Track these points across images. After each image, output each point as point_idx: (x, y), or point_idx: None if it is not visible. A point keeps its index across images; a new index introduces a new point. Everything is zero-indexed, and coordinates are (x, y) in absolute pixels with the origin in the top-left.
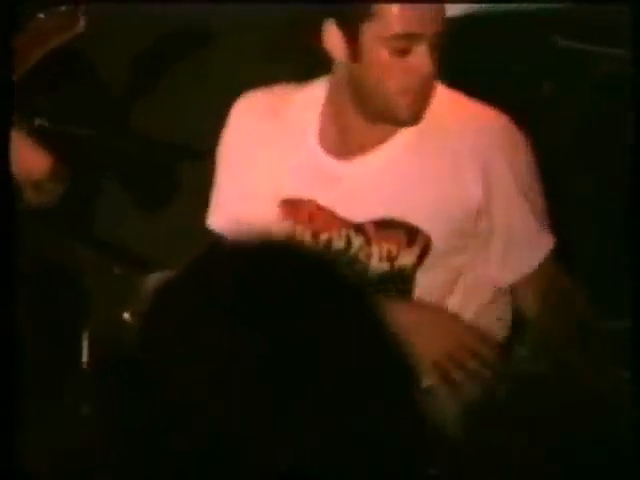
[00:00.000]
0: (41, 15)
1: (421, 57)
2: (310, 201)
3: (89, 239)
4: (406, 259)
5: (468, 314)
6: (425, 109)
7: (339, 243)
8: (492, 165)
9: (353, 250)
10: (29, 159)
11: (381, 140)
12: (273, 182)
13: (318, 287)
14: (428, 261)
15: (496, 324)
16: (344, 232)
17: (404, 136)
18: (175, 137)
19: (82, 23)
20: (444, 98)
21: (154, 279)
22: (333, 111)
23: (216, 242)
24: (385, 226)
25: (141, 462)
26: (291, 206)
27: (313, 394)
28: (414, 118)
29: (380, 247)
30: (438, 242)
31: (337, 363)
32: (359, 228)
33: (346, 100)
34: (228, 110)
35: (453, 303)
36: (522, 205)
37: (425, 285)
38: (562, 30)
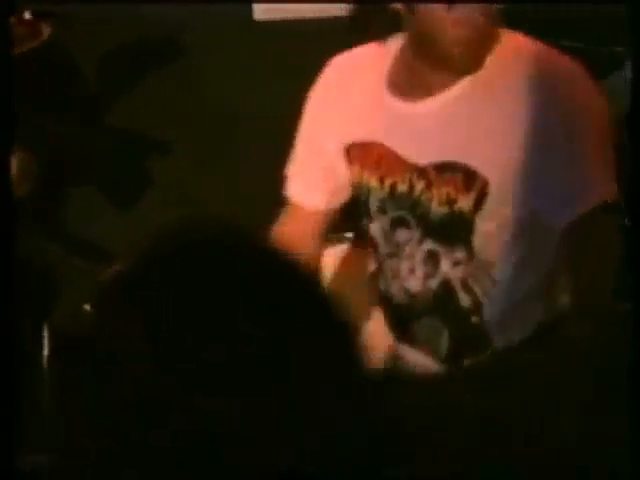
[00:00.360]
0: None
1: (468, 8)
2: (377, 144)
3: (57, 234)
4: (464, 203)
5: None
6: (484, 57)
7: (402, 187)
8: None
9: (415, 194)
10: None
11: (446, 84)
12: (342, 128)
13: (261, 276)
14: (487, 207)
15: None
16: (407, 176)
17: (469, 81)
18: (146, 131)
19: (47, 32)
20: (511, 44)
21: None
22: (402, 59)
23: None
24: (445, 169)
25: (104, 457)
26: (359, 150)
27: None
28: (470, 67)
29: (439, 190)
30: (496, 188)
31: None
32: (421, 171)
33: (413, 49)
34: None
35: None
36: (586, 154)
37: (484, 233)
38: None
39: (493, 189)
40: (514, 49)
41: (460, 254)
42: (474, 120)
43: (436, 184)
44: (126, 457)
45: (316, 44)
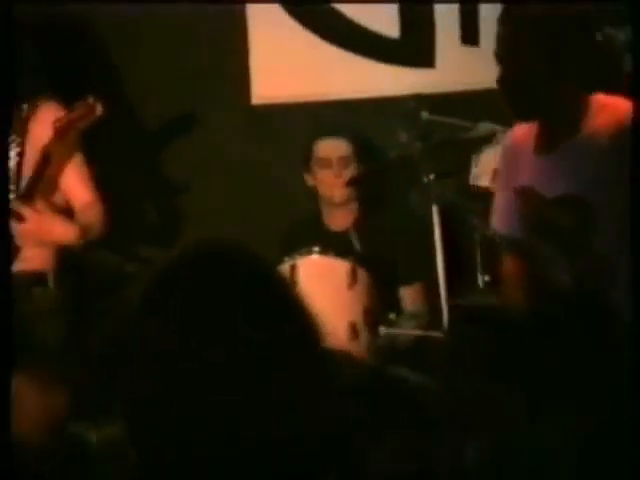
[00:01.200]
0: (65, 111)
1: None
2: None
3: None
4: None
5: None
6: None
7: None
8: None
9: None
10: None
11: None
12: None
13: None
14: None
15: None
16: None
17: (571, 143)
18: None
19: (100, 108)
20: (596, 106)
21: None
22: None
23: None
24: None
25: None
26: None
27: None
28: (570, 133)
29: None
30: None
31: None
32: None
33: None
34: None
35: None
36: None
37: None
38: None
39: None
40: (600, 111)
41: None
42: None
43: None
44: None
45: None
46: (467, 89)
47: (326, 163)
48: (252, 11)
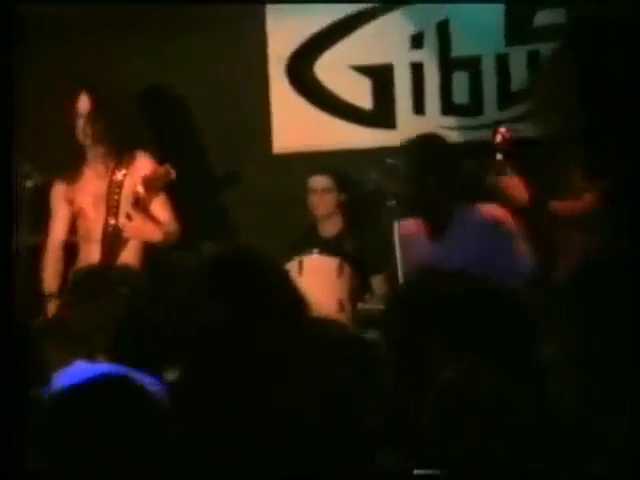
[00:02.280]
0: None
1: None
2: None
3: None
4: None
5: None
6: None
7: None
8: None
9: None
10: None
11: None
12: None
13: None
14: None
15: None
16: None
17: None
18: None
19: (173, 173)
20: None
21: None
22: None
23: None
24: None
25: None
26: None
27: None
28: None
29: None
30: None
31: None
32: None
33: None
34: None
35: None
36: None
37: None
38: None
39: None
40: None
41: None
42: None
43: None
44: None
45: None
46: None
47: (314, 191)
48: (273, 95)
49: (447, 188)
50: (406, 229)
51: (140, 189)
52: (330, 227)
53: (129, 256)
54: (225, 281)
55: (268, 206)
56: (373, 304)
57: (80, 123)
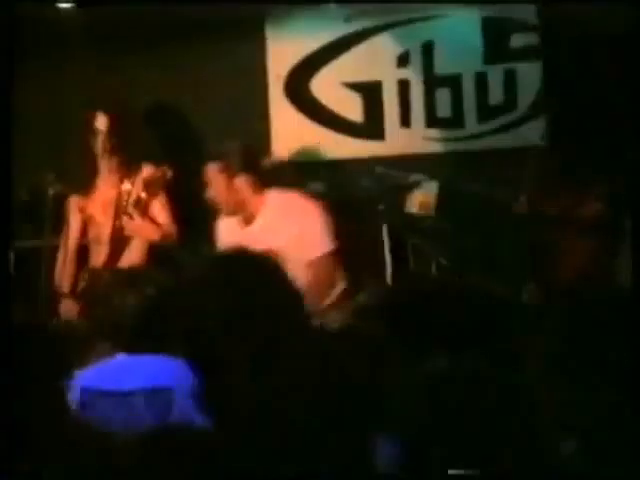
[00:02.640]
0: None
1: None
2: None
3: None
4: None
5: None
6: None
7: None
8: None
9: None
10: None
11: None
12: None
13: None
14: None
15: None
16: None
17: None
18: None
19: (169, 173)
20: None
21: None
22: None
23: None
24: None
25: None
26: None
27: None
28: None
29: None
30: None
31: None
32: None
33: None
34: None
35: None
36: None
37: None
38: None
39: None
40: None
41: None
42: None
43: None
44: None
45: None
46: (404, 153)
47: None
48: (273, 109)
49: None
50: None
51: (141, 192)
52: None
53: (134, 256)
54: (226, 279)
55: None
56: (365, 300)
57: (97, 140)
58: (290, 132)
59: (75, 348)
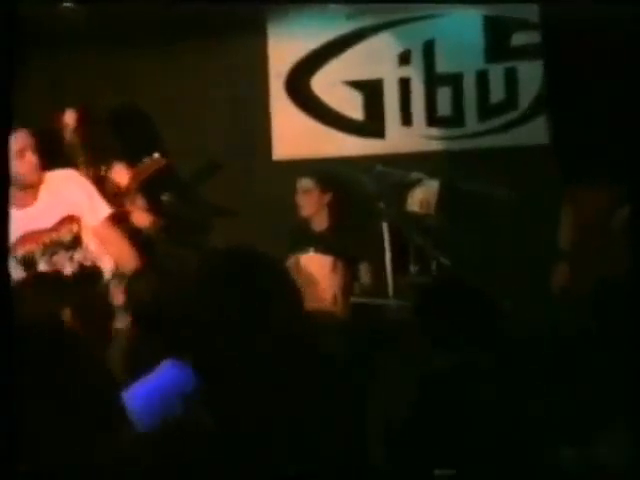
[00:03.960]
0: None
1: None
2: None
3: None
4: None
5: None
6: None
7: None
8: None
9: None
10: (121, 254)
11: None
12: None
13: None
14: None
15: None
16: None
17: None
18: None
19: (163, 161)
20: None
21: None
22: None
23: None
24: None
25: None
26: None
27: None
28: None
29: None
30: None
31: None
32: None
33: None
34: None
35: None
36: None
37: None
38: None
39: None
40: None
41: None
42: None
43: None
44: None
45: None
46: (404, 152)
47: (299, 192)
48: (273, 107)
49: None
50: None
51: (126, 182)
52: (318, 222)
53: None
54: (226, 278)
55: (268, 207)
56: (364, 298)
57: (66, 134)
58: (291, 130)
59: (76, 347)
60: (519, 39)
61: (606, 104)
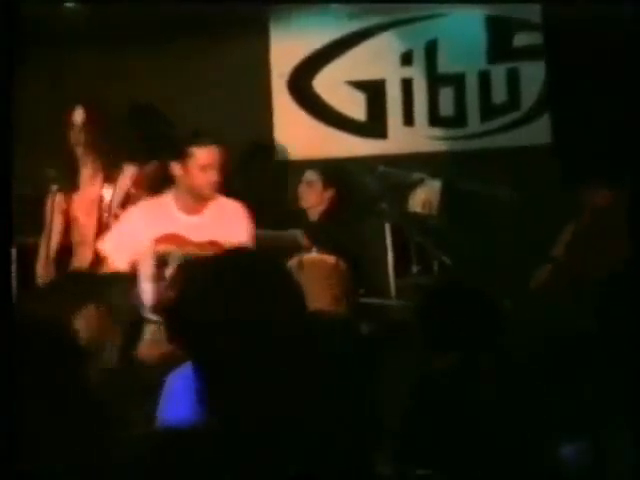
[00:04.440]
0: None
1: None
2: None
3: None
4: None
5: None
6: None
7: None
8: None
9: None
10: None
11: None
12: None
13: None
14: None
15: None
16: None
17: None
18: None
19: (161, 171)
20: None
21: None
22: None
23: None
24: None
25: None
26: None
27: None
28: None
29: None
30: None
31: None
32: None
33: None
34: None
35: None
36: None
37: None
38: None
39: None
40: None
41: None
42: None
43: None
44: None
45: None
46: (407, 152)
47: (303, 183)
48: (276, 107)
49: None
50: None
51: (131, 188)
52: (313, 215)
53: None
54: (227, 278)
55: (269, 206)
56: (366, 298)
57: (74, 134)
58: (293, 130)
59: (77, 345)
60: (521, 39)
61: (608, 104)
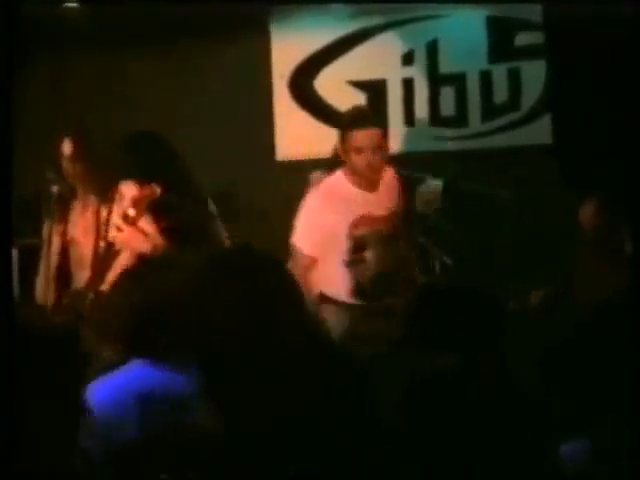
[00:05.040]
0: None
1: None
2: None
3: None
4: None
5: None
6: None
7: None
8: None
9: None
10: None
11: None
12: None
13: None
14: None
15: None
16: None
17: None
18: None
19: (158, 191)
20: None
21: None
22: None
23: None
24: None
25: None
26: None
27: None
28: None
29: None
30: None
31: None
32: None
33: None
34: None
35: None
36: None
37: None
38: None
39: None
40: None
41: None
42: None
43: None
44: None
45: None
46: (407, 152)
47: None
48: (277, 107)
49: None
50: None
51: (130, 211)
52: None
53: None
54: (228, 278)
55: (270, 206)
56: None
57: (64, 164)
58: (294, 130)
59: (78, 349)
60: (522, 39)
61: (609, 104)
